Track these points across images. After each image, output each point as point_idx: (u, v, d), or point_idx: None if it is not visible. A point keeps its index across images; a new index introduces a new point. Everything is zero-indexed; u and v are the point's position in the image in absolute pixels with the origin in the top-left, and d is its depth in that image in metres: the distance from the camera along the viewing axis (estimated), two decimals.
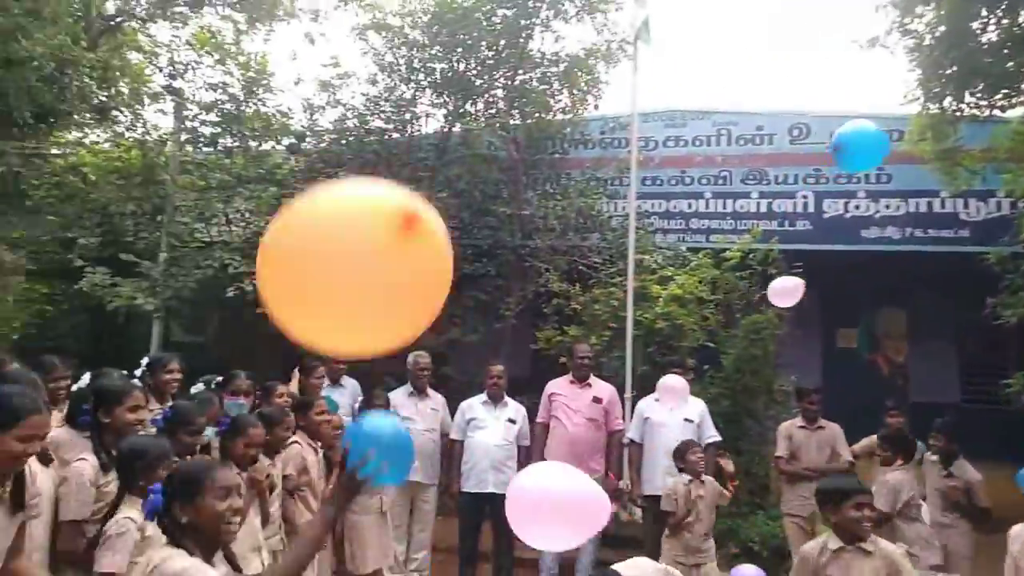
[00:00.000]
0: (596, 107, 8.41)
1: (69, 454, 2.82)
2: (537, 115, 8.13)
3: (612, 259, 7.26)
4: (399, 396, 5.55)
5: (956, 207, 7.22)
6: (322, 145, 8.31)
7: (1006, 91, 6.09)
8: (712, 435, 5.24)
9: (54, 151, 8.55)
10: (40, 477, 2.71)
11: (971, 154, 6.37)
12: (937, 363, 8.52)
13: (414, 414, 5.44)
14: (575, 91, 8.30)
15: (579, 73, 8.13)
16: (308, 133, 8.32)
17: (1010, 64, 5.95)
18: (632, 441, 5.33)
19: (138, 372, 3.67)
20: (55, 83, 8.22)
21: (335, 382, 5.70)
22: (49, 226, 7.90)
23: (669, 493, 4.38)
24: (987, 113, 6.25)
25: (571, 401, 5.42)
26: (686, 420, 5.20)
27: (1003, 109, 6.28)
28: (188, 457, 3.11)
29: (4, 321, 7.47)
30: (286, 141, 8.39)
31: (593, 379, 5.59)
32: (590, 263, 7.38)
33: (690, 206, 8.22)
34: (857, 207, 7.58)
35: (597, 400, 5.43)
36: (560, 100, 8.36)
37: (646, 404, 5.38)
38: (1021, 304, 5.66)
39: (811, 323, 8.13)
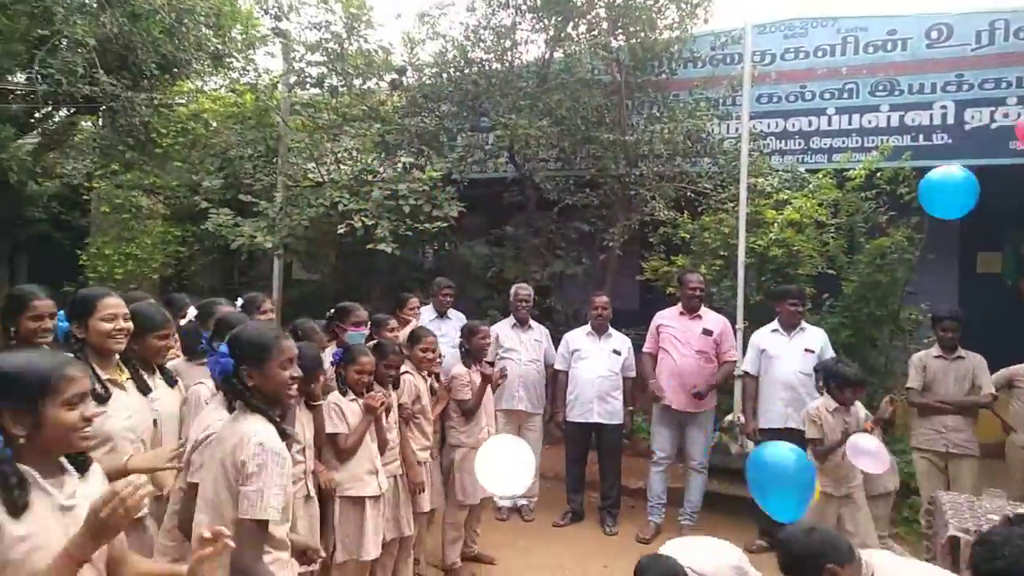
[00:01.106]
0: (706, 21, 7.85)
1: (187, 381, 3.08)
2: (642, 34, 7.70)
3: (723, 184, 6.90)
4: (503, 328, 5.64)
5: None
6: (424, 80, 8.30)
7: None
8: None
9: (178, 100, 9.03)
10: (167, 398, 2.98)
11: None
12: None
13: (517, 345, 5.53)
14: (683, 5, 7.76)
15: None
16: (408, 68, 8.32)
17: None
18: (747, 374, 5.17)
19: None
20: (174, 34, 8.62)
21: (442, 315, 5.84)
22: (177, 172, 8.44)
23: (814, 419, 4.13)
24: None
25: (680, 333, 5.31)
26: (806, 351, 4.97)
27: None
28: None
29: (145, 262, 8.16)
30: (388, 77, 8.44)
31: (704, 310, 5.45)
32: (699, 189, 7.05)
33: (810, 124, 7.60)
34: (1006, 115, 6.73)
35: (707, 332, 5.30)
36: (667, 16, 7.86)
37: (762, 336, 5.18)
38: None
39: (948, 247, 7.41)
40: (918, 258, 5.90)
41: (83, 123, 9.20)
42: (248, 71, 8.66)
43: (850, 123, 7.38)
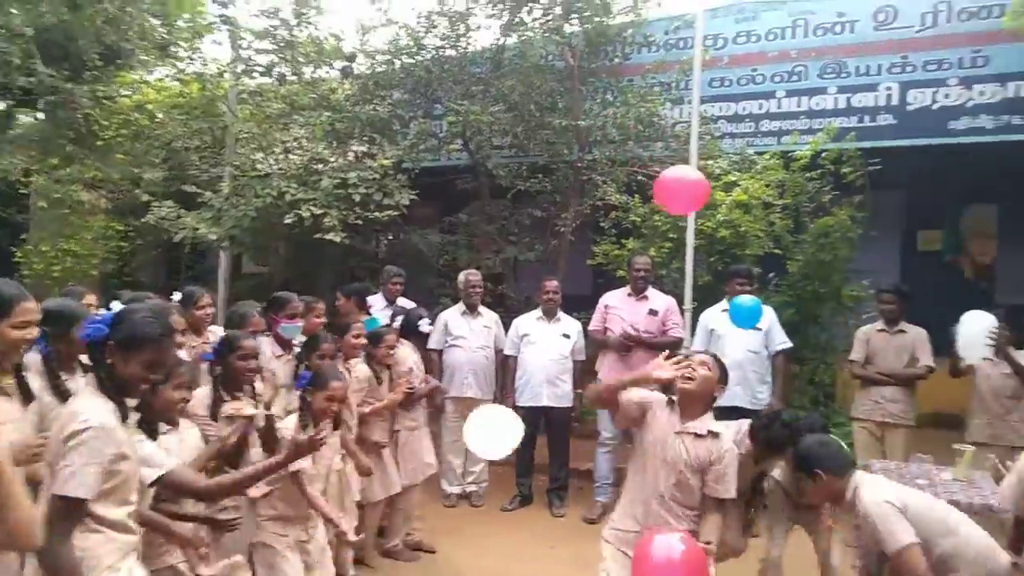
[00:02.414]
0: (659, 4, 7.85)
1: None
2: (596, 19, 7.68)
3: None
4: (451, 315, 5.60)
5: None
6: (375, 67, 8.20)
7: None
8: (782, 342, 5.04)
9: (122, 91, 8.81)
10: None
11: None
12: None
13: (467, 332, 5.50)
14: None
15: None
16: (360, 54, 8.20)
17: None
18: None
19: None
20: (118, 23, 8.39)
21: (391, 303, 5.77)
22: (119, 165, 8.23)
23: None
24: None
25: (626, 314, 5.32)
26: (755, 329, 4.99)
27: None
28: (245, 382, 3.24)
29: (85, 258, 7.96)
30: (339, 65, 8.32)
31: (651, 291, 5.46)
32: (651, 173, 7.05)
33: (760, 107, 7.65)
34: (947, 96, 6.82)
35: (653, 313, 5.31)
36: (620, 1, 7.84)
37: (711, 315, 5.21)
38: None
39: (890, 225, 7.54)
40: (861, 236, 5.99)
41: (21, 117, 8.93)
42: (195, 60, 8.47)
43: (798, 105, 7.44)
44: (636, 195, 6.77)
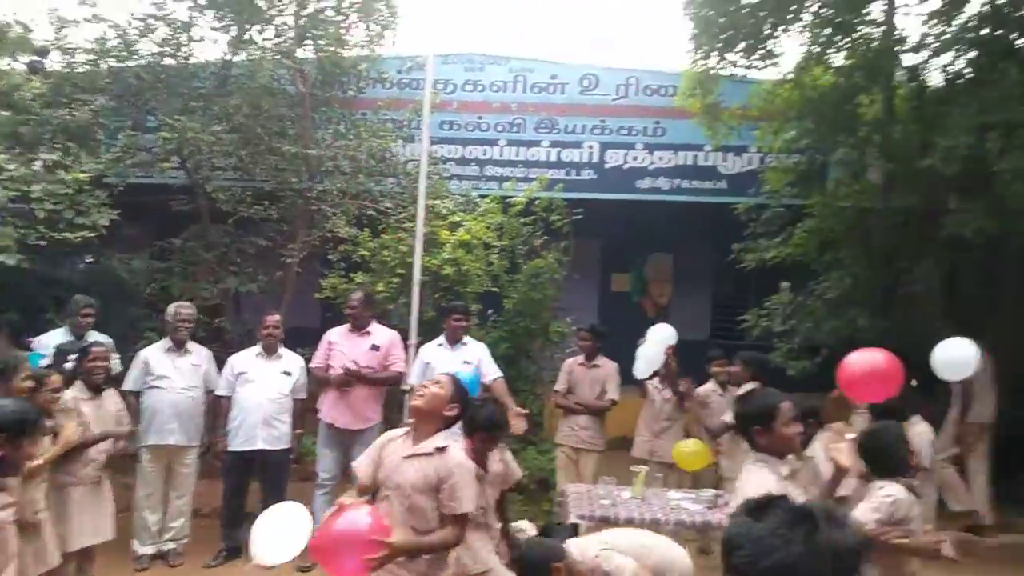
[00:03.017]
0: (394, 43, 8.05)
1: None
2: (331, 48, 7.63)
3: (404, 204, 7.10)
4: (154, 352, 5.09)
5: (716, 160, 7.85)
6: (76, 68, 7.24)
7: (761, 52, 6.63)
8: (493, 373, 5.35)
9: None
10: None
11: (730, 111, 6.93)
12: (694, 303, 9.38)
13: (171, 371, 5.03)
14: (371, 26, 7.86)
15: (378, 6, 7.70)
16: (55, 50, 7.19)
17: (765, 26, 6.47)
18: (412, 388, 5.33)
19: None
20: None
21: (80, 338, 5.10)
22: None
23: None
24: (744, 72, 6.79)
25: (348, 349, 5.30)
26: (465, 362, 5.24)
27: (758, 69, 6.87)
28: None
29: None
30: (26, 58, 7.22)
31: (374, 326, 5.49)
32: (381, 208, 7.16)
33: (485, 153, 8.22)
34: (635, 158, 8.00)
35: (375, 348, 5.36)
36: (355, 35, 7.89)
37: (427, 349, 5.41)
38: (759, 250, 6.35)
39: (590, 269, 8.59)
40: (566, 278, 6.71)
41: None
42: None
43: (517, 155, 8.15)
44: (366, 229, 6.82)
